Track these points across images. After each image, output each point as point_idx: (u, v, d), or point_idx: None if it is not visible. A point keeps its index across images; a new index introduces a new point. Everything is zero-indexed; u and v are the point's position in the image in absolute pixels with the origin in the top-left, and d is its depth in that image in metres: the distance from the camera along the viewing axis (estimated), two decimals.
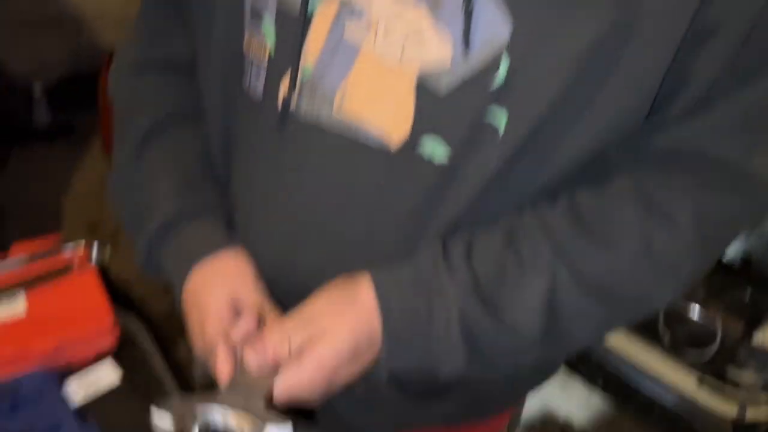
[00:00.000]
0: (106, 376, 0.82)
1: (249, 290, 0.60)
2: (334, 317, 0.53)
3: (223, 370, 0.54)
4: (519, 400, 0.81)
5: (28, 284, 0.88)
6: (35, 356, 0.80)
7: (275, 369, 0.53)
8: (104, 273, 0.90)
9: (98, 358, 0.84)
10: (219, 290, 0.60)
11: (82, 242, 0.93)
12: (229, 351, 0.55)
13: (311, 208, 0.58)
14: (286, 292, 0.61)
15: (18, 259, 0.91)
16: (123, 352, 0.85)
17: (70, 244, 0.94)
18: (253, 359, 0.52)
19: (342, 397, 0.58)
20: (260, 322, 0.58)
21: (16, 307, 0.85)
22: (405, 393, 0.65)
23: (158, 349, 0.87)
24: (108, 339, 0.85)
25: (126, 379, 0.82)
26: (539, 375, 0.74)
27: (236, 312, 0.59)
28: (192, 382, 0.87)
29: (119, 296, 0.89)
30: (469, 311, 0.52)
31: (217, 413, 0.47)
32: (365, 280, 0.54)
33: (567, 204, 0.54)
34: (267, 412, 0.48)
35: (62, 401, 0.77)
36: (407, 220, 0.56)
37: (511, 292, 0.52)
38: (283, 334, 0.53)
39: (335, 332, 0.52)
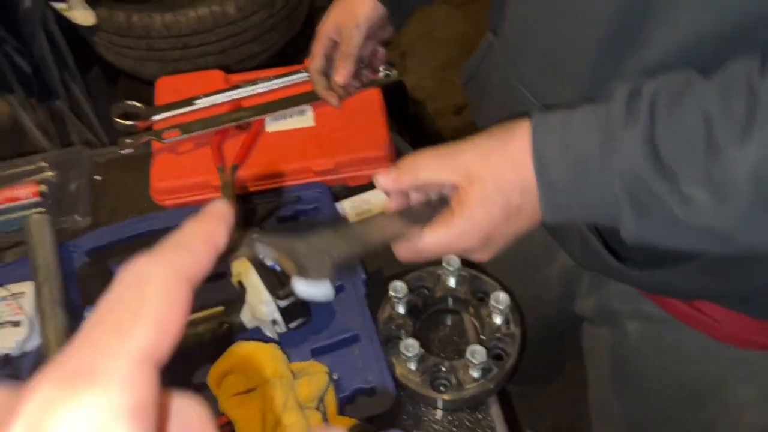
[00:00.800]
0: (376, 199, 0.82)
1: (351, 28, 0.73)
2: (476, 158, 0.49)
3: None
4: None
5: (315, 99, 0.89)
6: (315, 171, 0.83)
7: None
8: (402, 88, 0.88)
9: (371, 183, 0.84)
10: (334, 17, 0.76)
11: None
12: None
13: (531, 13, 0.59)
14: None
15: (308, 74, 0.93)
16: None
17: None
18: (381, 179, 0.52)
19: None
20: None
21: (304, 120, 0.88)
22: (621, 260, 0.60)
23: None
24: (383, 164, 0.84)
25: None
26: None
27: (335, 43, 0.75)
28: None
29: (411, 113, 0.87)
30: (636, 172, 0.44)
31: (267, 250, 0.45)
32: (524, 123, 0.49)
33: None
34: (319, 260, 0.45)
35: (337, 216, 0.80)
36: (605, 46, 0.51)
37: (706, 156, 0.42)
38: (415, 160, 0.52)
39: (480, 179, 0.48)
